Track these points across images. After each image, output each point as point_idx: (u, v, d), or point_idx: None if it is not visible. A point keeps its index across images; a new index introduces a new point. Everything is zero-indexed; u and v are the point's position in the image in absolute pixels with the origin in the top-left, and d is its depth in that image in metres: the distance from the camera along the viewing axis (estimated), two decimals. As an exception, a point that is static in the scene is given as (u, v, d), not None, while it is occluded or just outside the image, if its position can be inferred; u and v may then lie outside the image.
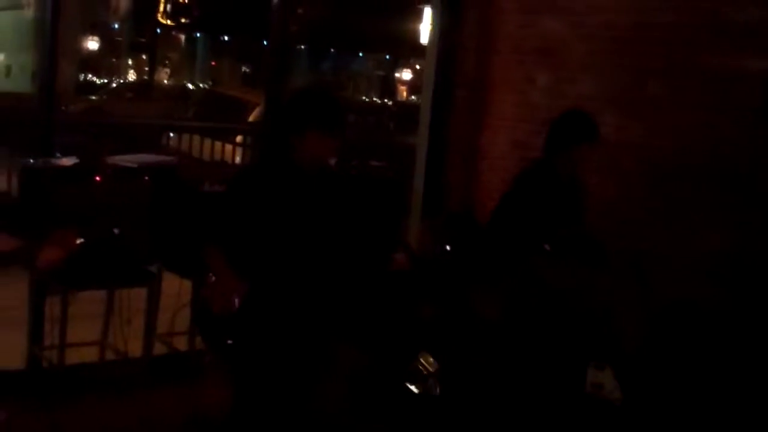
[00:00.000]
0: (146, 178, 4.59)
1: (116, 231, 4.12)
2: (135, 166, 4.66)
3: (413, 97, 34.29)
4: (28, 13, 26.26)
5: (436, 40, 5.85)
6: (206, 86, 29.28)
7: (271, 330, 3.33)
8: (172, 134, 11.15)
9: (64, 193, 4.28)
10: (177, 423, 4.41)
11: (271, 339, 3.35)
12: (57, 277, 4.36)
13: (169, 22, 24.70)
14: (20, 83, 26.70)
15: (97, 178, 4.42)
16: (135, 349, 4.79)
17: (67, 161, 4.54)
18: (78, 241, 3.03)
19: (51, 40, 4.88)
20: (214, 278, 3.30)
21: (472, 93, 5.85)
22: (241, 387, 3.47)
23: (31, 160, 4.61)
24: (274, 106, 5.55)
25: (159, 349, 4.95)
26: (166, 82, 31.78)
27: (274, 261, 3.36)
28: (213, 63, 37.74)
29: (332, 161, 3.51)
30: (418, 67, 34.64)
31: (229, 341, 3.36)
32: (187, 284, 4.70)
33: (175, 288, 4.60)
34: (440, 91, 5.79)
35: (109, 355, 4.94)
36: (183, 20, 24.17)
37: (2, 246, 2.94)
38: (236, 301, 3.24)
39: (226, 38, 35.94)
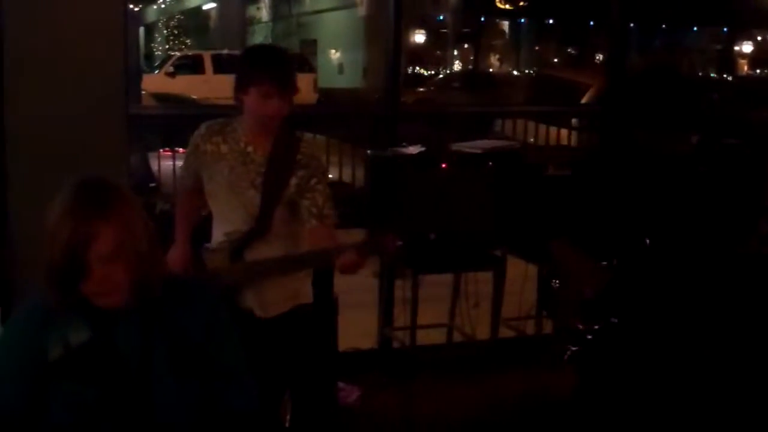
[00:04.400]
0: (490, 163, 4.62)
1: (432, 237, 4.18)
2: (479, 151, 4.70)
3: (757, 71, 32.14)
4: (361, 11, 27.84)
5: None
6: (531, 72, 29.30)
7: (633, 319, 3.22)
8: (501, 120, 11.19)
9: (414, 180, 4.42)
10: (523, 406, 4.43)
11: (631, 329, 3.23)
12: (406, 262, 4.53)
13: (507, 6, 25.02)
14: (352, 79, 28.50)
15: (443, 165, 4.52)
16: (481, 332, 4.86)
17: (414, 150, 4.66)
18: (398, 244, 3.08)
19: (395, 36, 5.04)
20: (567, 269, 3.25)
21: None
22: (590, 380, 3.39)
23: (377, 151, 4.80)
24: (616, 87, 5.36)
25: (505, 332, 4.99)
26: (491, 70, 32.21)
27: (636, 248, 3.23)
28: (536, 48, 37.74)
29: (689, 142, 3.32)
30: (759, 38, 32.43)
31: (589, 336, 3.28)
32: (533, 268, 4.69)
33: (521, 272, 4.60)
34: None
35: (456, 337, 5.06)
36: (521, 3, 24.40)
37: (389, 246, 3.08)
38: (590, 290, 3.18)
39: (550, 21, 35.78)
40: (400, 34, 5.11)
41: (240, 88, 3.05)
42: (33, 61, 3.76)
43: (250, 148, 3.11)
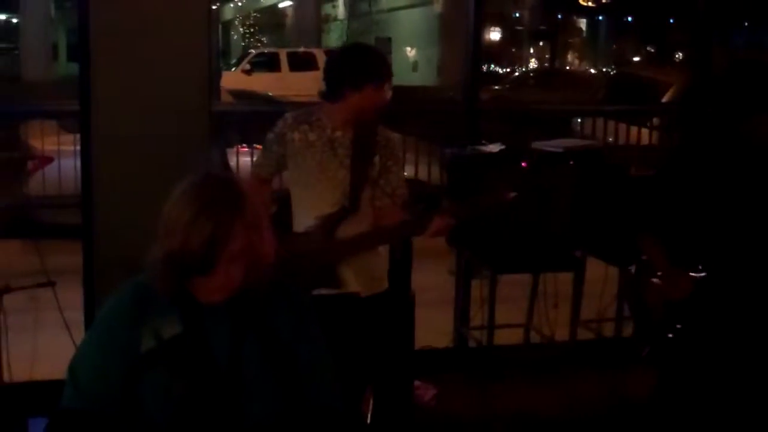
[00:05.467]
0: (571, 162, 4.56)
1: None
2: (560, 150, 4.63)
3: None
4: (436, 8, 27.77)
5: None
6: (609, 70, 28.82)
7: (720, 325, 3.14)
8: (579, 119, 11.02)
9: (494, 179, 4.38)
10: (600, 409, 4.37)
11: (717, 334, 3.16)
12: (485, 260, 4.50)
13: (590, 3, 24.87)
14: (426, 77, 28.42)
15: (524, 164, 4.48)
16: (560, 333, 4.81)
17: (494, 148, 4.63)
18: (512, 195, 3.20)
19: (474, 33, 5.02)
20: (659, 272, 3.19)
21: None
22: (670, 380, 3.33)
23: (456, 149, 4.77)
24: (701, 86, 5.25)
25: (584, 334, 4.93)
26: (567, 68, 31.83)
27: (729, 249, 3.14)
28: (614, 46, 37.19)
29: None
30: None
31: (670, 335, 3.22)
32: (613, 270, 4.62)
33: (601, 274, 4.54)
34: None
35: (534, 338, 5.01)
36: (603, 0, 24.25)
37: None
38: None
39: (628, 19, 35.22)
40: (480, 30, 5.11)
41: (355, 85, 3.21)
42: (120, 61, 3.84)
43: (338, 133, 3.30)
